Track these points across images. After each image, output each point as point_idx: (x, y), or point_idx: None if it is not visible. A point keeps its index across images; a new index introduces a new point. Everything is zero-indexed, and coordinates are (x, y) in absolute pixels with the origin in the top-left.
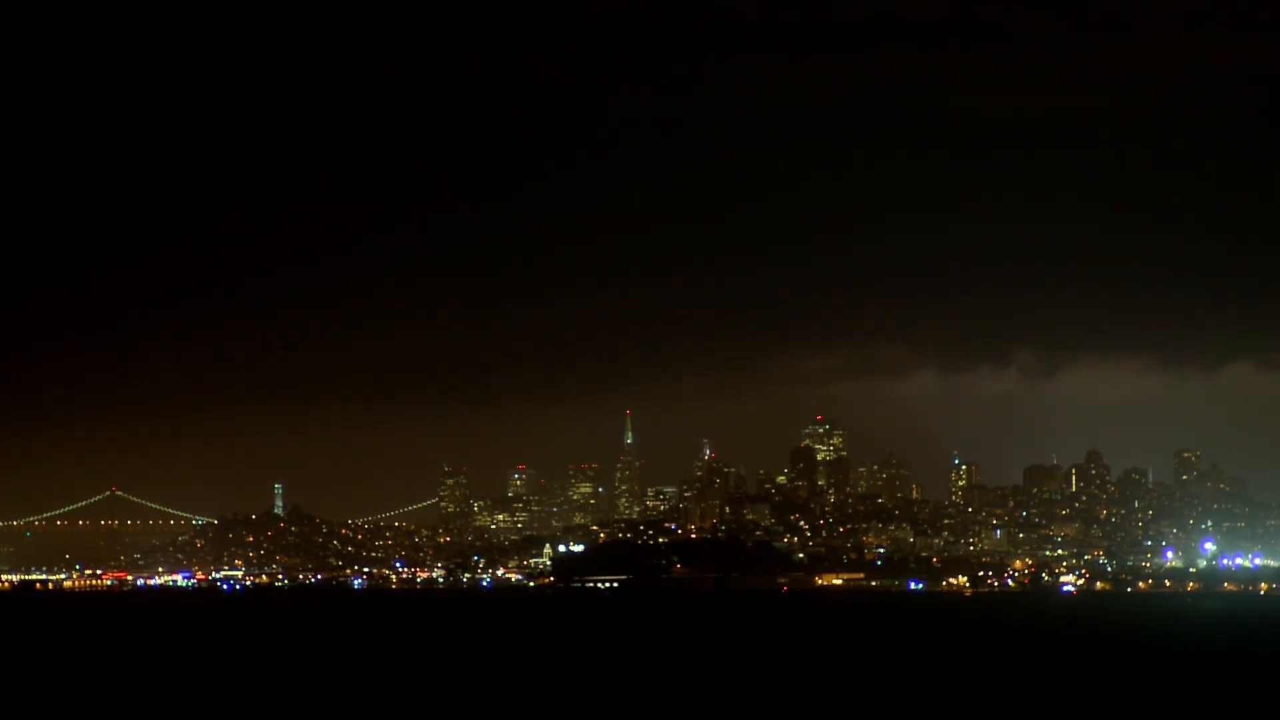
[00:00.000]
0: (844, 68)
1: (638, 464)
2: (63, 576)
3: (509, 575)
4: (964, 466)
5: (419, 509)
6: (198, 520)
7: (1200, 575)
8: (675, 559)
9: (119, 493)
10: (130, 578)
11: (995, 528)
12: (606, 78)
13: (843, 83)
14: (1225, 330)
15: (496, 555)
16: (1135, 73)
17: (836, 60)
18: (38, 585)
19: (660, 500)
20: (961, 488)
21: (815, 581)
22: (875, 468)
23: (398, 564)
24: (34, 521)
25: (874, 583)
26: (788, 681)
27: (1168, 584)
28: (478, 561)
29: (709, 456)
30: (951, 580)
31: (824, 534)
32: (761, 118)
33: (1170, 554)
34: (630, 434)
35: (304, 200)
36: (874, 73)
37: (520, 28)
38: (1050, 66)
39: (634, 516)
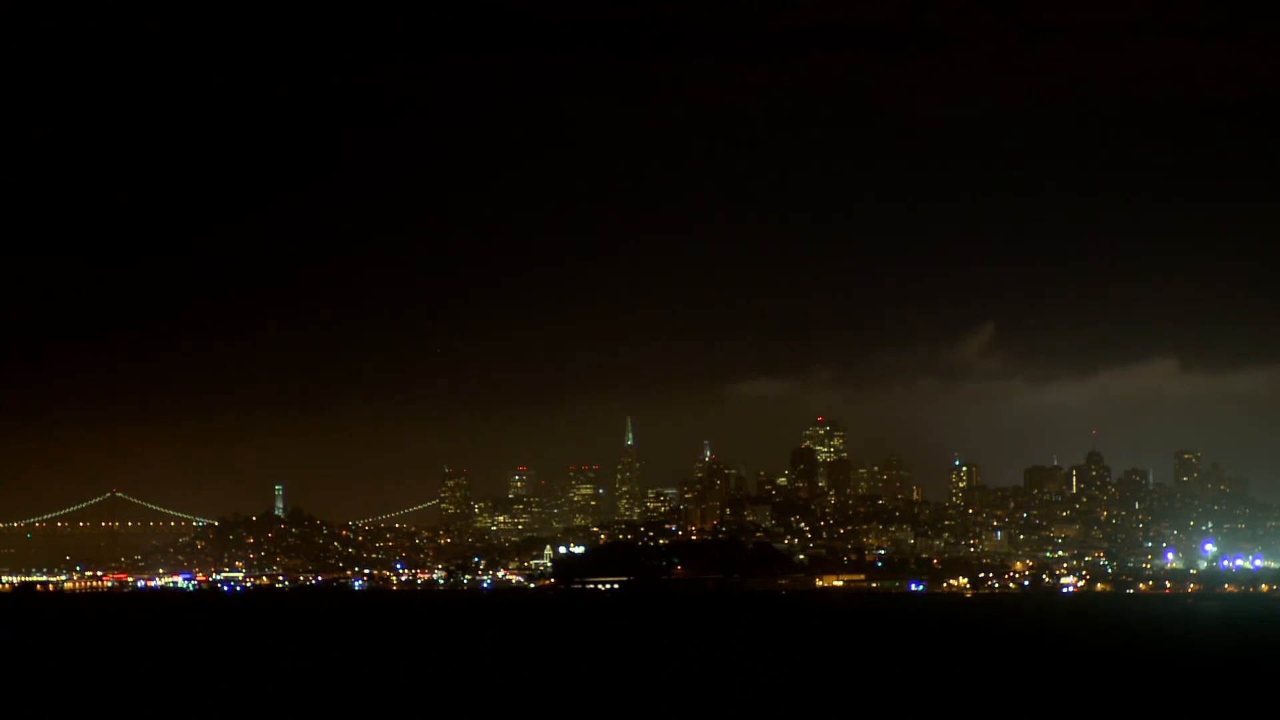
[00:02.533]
0: (802, 71)
1: (638, 465)
2: (63, 578)
3: (509, 577)
4: (964, 468)
5: (419, 510)
6: (198, 521)
7: (1201, 576)
8: (676, 560)
9: (119, 494)
10: (131, 579)
11: (996, 529)
12: (599, 81)
13: (807, 86)
14: (1226, 331)
15: (497, 557)
16: (1079, 78)
17: (799, 64)
18: (38, 587)
19: (661, 502)
20: (962, 489)
21: (816, 583)
22: (876, 469)
23: (398, 565)
24: (35, 523)
25: (874, 584)
26: (787, 682)
27: (1168, 585)
28: (478, 563)
29: (709, 458)
30: (952, 581)
31: (824, 535)
32: (747, 120)
33: (1171, 555)
34: (631, 435)
35: (303, 202)
36: (830, 77)
37: (495, 34)
38: (997, 71)
39: (635, 518)
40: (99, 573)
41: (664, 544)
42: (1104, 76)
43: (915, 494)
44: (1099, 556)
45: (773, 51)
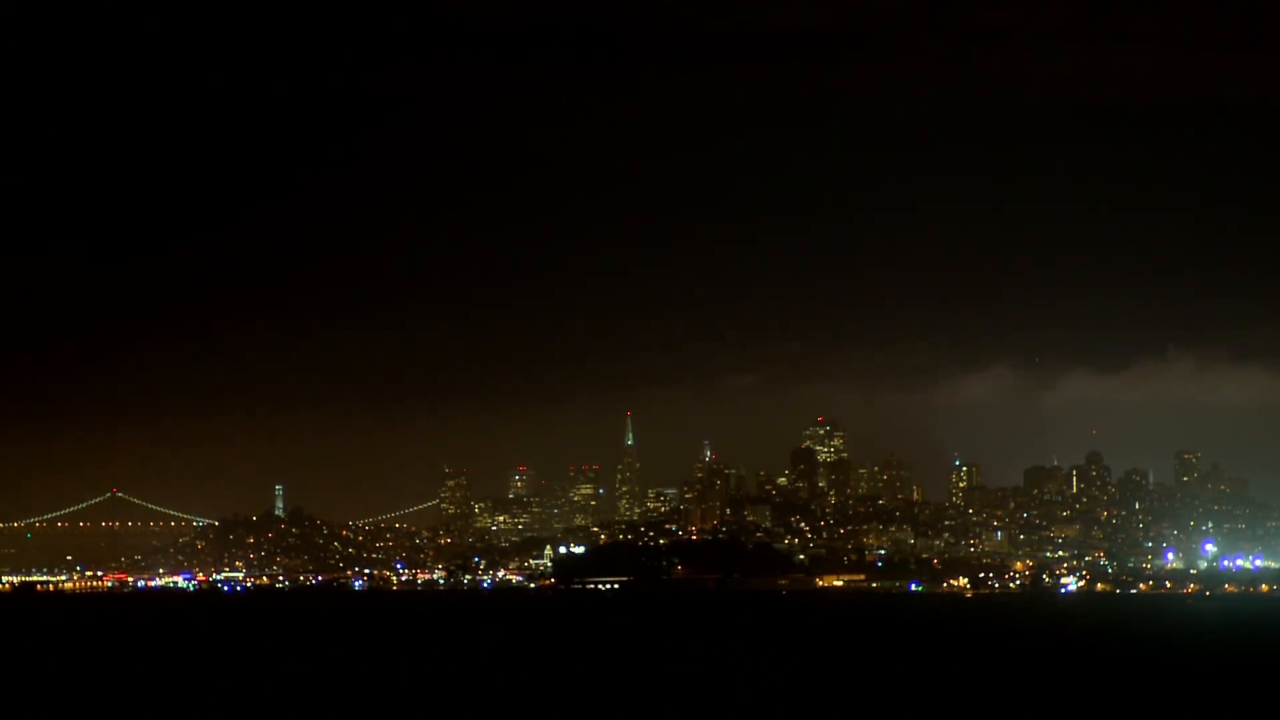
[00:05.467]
0: (766, 71)
1: (638, 465)
2: (63, 578)
3: (510, 577)
4: (964, 468)
5: (420, 510)
6: (198, 522)
7: (1201, 577)
8: (676, 560)
9: (120, 494)
10: (131, 579)
11: (996, 529)
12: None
13: (777, 86)
14: (1225, 331)
15: (497, 557)
16: (1010, 82)
17: (762, 66)
18: (39, 587)
19: (661, 501)
20: (962, 489)
21: (816, 583)
22: (876, 469)
23: (398, 565)
24: (35, 523)
25: (874, 584)
26: (787, 682)
27: (1168, 585)
28: (478, 563)
29: (710, 457)
30: (952, 582)
31: (824, 535)
32: (732, 121)
33: (1171, 555)
34: (631, 435)
35: (303, 202)
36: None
37: (496, 35)
38: (932, 76)
39: (635, 518)
40: (99, 573)
41: (664, 544)
42: (1038, 82)
43: (915, 494)
44: (1099, 556)
45: (717, 57)
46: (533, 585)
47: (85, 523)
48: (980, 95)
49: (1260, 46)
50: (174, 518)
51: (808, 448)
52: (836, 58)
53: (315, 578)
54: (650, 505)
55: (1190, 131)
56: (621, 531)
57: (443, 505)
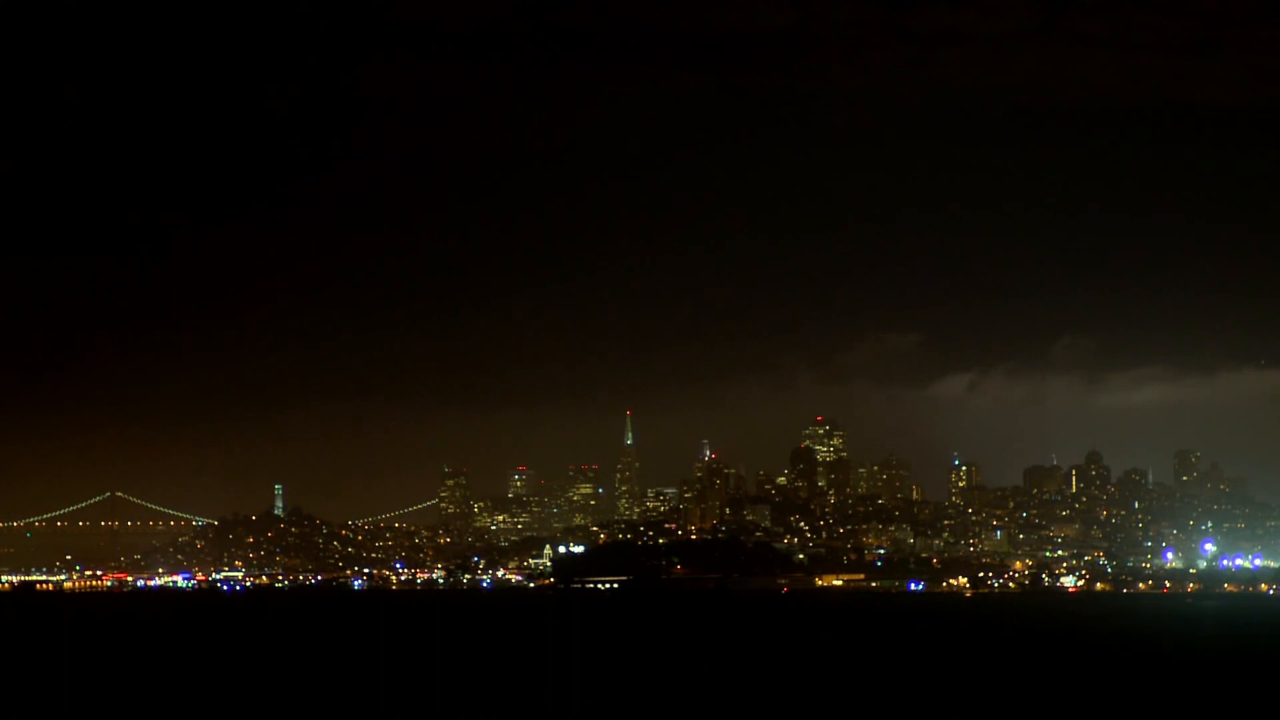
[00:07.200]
0: (757, 71)
1: (638, 465)
2: (63, 577)
3: (509, 576)
4: (964, 467)
5: (419, 510)
6: (198, 521)
7: (1200, 576)
8: (675, 560)
9: (119, 494)
10: (130, 578)
11: (995, 528)
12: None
13: (767, 86)
14: (1225, 332)
15: (496, 556)
16: (973, 83)
17: (750, 65)
18: (38, 586)
19: (660, 501)
20: (962, 488)
21: (815, 582)
22: (875, 468)
23: (398, 565)
24: (34, 522)
25: (874, 583)
26: (787, 682)
27: (1168, 585)
28: (478, 562)
29: (709, 457)
30: (951, 581)
31: (824, 535)
32: (723, 123)
33: (1170, 555)
34: (631, 434)
35: (304, 203)
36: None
37: (497, 35)
38: (892, 80)
39: (634, 517)
40: (99, 572)
41: (664, 543)
42: (996, 84)
43: (915, 493)
44: (1099, 556)
45: (717, 58)
46: (532, 585)
47: (85, 522)
48: (941, 97)
49: (1219, 50)
50: (174, 517)
51: (807, 447)
52: (797, 60)
53: (315, 577)
54: (650, 505)
55: (1159, 133)
56: (621, 531)
57: (442, 505)
